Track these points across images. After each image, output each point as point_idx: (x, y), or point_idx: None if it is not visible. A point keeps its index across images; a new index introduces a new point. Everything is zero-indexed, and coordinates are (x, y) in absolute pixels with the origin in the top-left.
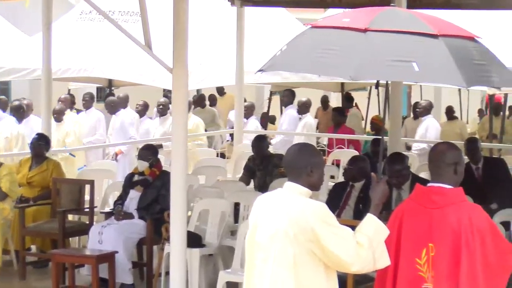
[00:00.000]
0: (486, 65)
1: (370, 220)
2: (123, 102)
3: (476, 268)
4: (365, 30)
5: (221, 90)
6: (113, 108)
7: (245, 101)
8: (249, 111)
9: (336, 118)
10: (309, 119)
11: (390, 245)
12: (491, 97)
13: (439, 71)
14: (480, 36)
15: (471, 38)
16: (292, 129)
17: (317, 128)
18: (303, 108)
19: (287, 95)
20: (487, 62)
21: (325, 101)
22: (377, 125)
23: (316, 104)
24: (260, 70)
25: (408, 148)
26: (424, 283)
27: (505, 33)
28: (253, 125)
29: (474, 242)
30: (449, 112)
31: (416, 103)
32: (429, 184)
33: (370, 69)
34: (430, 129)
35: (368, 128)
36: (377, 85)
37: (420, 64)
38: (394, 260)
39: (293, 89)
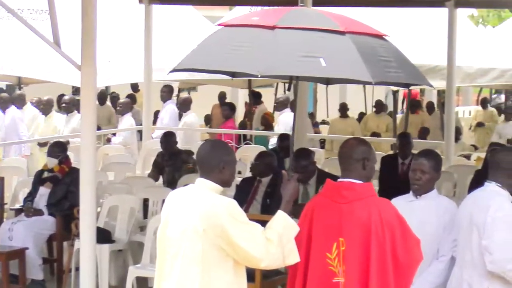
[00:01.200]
0: (393, 62)
1: (281, 217)
2: (18, 99)
3: (386, 261)
4: (273, 27)
5: (135, 87)
6: (2, 104)
7: None
8: (125, 108)
9: (225, 112)
10: (191, 117)
11: (301, 239)
12: (409, 93)
13: (346, 66)
14: (387, 34)
15: (379, 36)
16: (174, 124)
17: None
18: (184, 105)
19: (165, 91)
20: (393, 59)
21: (223, 96)
22: (267, 121)
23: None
24: (173, 70)
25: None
26: (334, 277)
27: (411, 30)
28: (128, 122)
29: (384, 236)
30: (343, 109)
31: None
32: (339, 180)
33: (279, 65)
34: (281, 123)
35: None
36: (289, 87)
37: (327, 60)
38: (305, 254)
39: (200, 86)
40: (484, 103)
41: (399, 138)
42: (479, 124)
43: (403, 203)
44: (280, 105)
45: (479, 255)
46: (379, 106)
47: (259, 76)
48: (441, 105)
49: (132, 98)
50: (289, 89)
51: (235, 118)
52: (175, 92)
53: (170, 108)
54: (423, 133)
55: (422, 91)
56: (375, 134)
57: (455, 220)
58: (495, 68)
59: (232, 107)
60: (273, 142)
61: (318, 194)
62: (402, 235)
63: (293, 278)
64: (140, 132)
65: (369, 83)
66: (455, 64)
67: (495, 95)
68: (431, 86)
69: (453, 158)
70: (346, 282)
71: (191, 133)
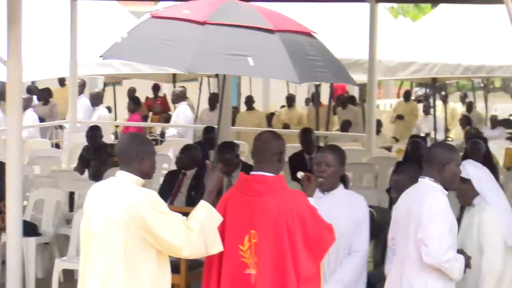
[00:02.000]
0: (320, 61)
1: (203, 207)
2: None
3: (298, 251)
4: (203, 23)
5: (62, 81)
6: None
7: None
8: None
9: (130, 106)
10: (103, 111)
11: None
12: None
13: (273, 66)
14: (316, 31)
15: (308, 34)
16: (87, 118)
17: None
18: (96, 99)
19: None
20: (321, 58)
21: (132, 91)
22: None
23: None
24: (101, 56)
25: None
26: (246, 268)
27: (333, 24)
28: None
29: (295, 226)
30: (249, 102)
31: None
32: (252, 173)
33: (206, 62)
34: (180, 115)
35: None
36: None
37: (255, 59)
38: None
39: (125, 80)
40: (406, 96)
41: (301, 133)
42: (399, 117)
43: (311, 200)
44: (176, 98)
45: (416, 249)
46: (290, 100)
47: (186, 73)
48: (363, 98)
49: (44, 93)
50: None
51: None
52: (101, 86)
53: (83, 103)
54: (345, 126)
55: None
56: (286, 127)
57: (392, 217)
58: (415, 61)
59: (136, 101)
60: (170, 133)
61: (232, 187)
62: (313, 223)
63: (209, 270)
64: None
65: (296, 82)
66: (376, 58)
67: (417, 88)
68: (356, 84)
69: (374, 150)
70: (258, 273)
71: (104, 127)
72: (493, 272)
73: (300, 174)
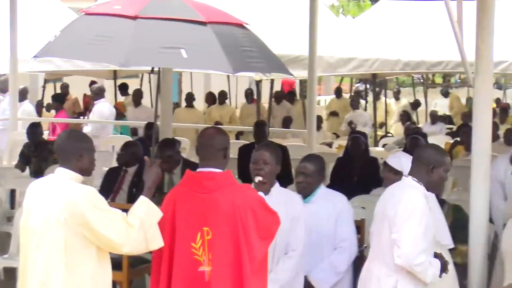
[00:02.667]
0: (254, 52)
1: (143, 203)
2: None
3: (251, 243)
4: (135, 17)
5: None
6: None
7: None
8: None
9: (54, 104)
10: (27, 106)
11: (164, 230)
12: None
13: (207, 58)
14: (248, 23)
15: (240, 25)
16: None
17: None
18: (21, 95)
19: (2, 82)
20: (255, 49)
21: (65, 87)
22: (119, 110)
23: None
24: (34, 56)
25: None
26: (200, 266)
27: (273, 20)
28: None
29: (248, 220)
30: (189, 99)
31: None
32: (198, 170)
33: (140, 55)
34: (96, 113)
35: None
36: (152, 70)
37: (189, 51)
38: (169, 245)
39: (66, 77)
40: (338, 92)
41: (254, 126)
42: (333, 114)
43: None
44: (95, 95)
45: (388, 248)
46: (222, 97)
47: (120, 67)
48: (302, 93)
49: None
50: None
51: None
52: (41, 83)
53: (26, 108)
54: (286, 122)
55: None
56: (218, 125)
57: (374, 212)
58: (355, 57)
59: (58, 99)
60: (86, 130)
61: (179, 184)
62: (263, 215)
63: (158, 268)
64: None
65: (230, 73)
66: (317, 54)
67: (358, 84)
68: (292, 75)
69: (315, 146)
70: (213, 270)
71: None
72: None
73: (257, 179)
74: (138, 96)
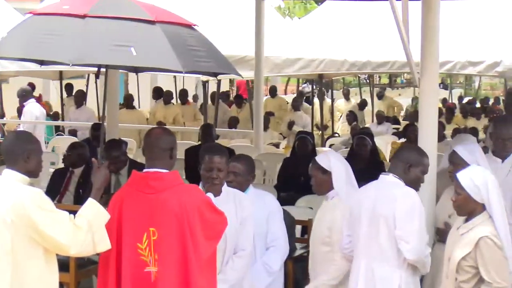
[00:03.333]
0: (202, 51)
1: (91, 205)
2: None
3: (198, 243)
4: (84, 16)
5: None
6: None
7: None
8: None
9: None
10: None
11: (111, 231)
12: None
13: (156, 56)
14: (196, 24)
15: (188, 26)
16: None
17: None
18: None
19: None
20: (203, 49)
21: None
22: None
23: None
24: None
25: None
26: (146, 266)
27: (219, 21)
28: None
29: (195, 220)
30: (128, 100)
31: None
32: (145, 170)
33: (90, 53)
34: (27, 114)
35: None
36: (98, 75)
37: (138, 49)
38: (116, 246)
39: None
40: (272, 92)
41: (201, 128)
42: (269, 114)
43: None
44: (21, 98)
45: (390, 246)
46: (168, 97)
47: (70, 65)
48: (251, 95)
49: None
50: (97, 77)
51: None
52: None
53: None
54: (233, 122)
55: (231, 82)
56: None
57: (350, 213)
58: (302, 58)
59: None
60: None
61: (125, 184)
62: (209, 215)
63: (105, 269)
64: None
65: (180, 72)
66: (263, 55)
67: (304, 85)
68: (239, 75)
69: (262, 146)
70: (159, 270)
71: None
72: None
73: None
74: (80, 97)
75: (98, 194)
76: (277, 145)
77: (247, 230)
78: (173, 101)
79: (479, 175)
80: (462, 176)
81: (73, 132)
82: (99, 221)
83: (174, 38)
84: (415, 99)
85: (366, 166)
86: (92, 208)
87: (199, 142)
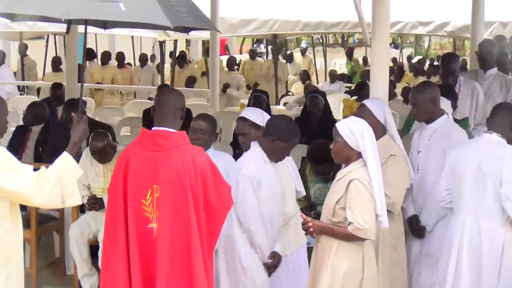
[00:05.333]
0: (182, 7)
1: (64, 158)
2: None
3: (199, 206)
4: None
5: None
6: None
7: None
8: None
9: None
10: None
11: (117, 187)
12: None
13: (144, 11)
14: None
15: None
16: None
17: None
18: None
19: None
20: (182, 4)
21: None
22: None
23: None
24: None
25: None
26: (149, 223)
27: None
28: None
29: (197, 181)
30: (55, 63)
31: None
32: (154, 128)
33: (79, 8)
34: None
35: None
36: (67, 31)
37: (126, 4)
38: (123, 202)
39: None
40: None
41: (159, 89)
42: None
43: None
44: None
45: (494, 204)
46: (105, 58)
47: (62, 20)
48: (206, 54)
49: None
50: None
51: None
52: None
53: None
54: (190, 82)
55: (188, 42)
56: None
57: (451, 168)
58: (256, 18)
59: None
60: None
61: (133, 142)
62: (214, 181)
63: (113, 226)
64: None
65: (168, 28)
66: (219, 15)
67: (255, 44)
68: (218, 30)
69: (218, 105)
70: (159, 227)
71: None
72: None
73: None
74: (57, 62)
75: (75, 148)
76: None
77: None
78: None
79: (356, 124)
80: (340, 124)
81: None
82: (70, 175)
83: None
84: (366, 59)
85: (319, 124)
86: (64, 162)
87: None
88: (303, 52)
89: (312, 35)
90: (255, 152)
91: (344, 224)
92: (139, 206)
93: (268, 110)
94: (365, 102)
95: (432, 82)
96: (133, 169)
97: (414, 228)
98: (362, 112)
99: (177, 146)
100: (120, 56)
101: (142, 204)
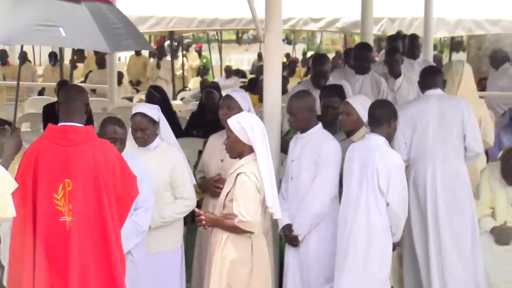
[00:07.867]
0: (122, 29)
1: None
2: None
3: (111, 197)
4: None
5: None
6: None
7: None
8: None
9: None
10: None
11: (27, 182)
12: None
13: (85, 36)
14: None
15: (107, 1)
16: None
17: None
18: None
19: None
20: (121, 25)
21: None
22: None
23: None
24: None
25: None
26: (61, 216)
27: None
28: None
29: (108, 175)
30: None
31: None
32: (61, 124)
33: (19, 33)
34: None
35: None
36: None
37: (67, 29)
38: (32, 197)
39: None
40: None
41: (58, 85)
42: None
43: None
44: None
45: (460, 146)
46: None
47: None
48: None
49: None
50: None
51: None
52: None
53: None
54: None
55: None
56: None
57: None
58: (153, 15)
59: None
60: None
61: (40, 137)
62: (121, 173)
63: (22, 218)
64: None
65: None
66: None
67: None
68: (152, 49)
69: (117, 100)
70: (73, 220)
71: None
72: None
73: None
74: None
75: (9, 160)
76: (130, 99)
77: (146, 183)
78: None
79: (246, 118)
80: (231, 120)
81: None
82: (4, 188)
83: (99, 17)
84: (260, 55)
85: (214, 117)
86: None
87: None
88: (199, 52)
89: (208, 32)
90: None
91: (234, 216)
92: (51, 200)
93: (165, 105)
94: (231, 93)
95: (309, 91)
96: (43, 163)
97: (288, 237)
98: (228, 103)
99: (87, 141)
100: (3, 55)
101: (53, 198)
